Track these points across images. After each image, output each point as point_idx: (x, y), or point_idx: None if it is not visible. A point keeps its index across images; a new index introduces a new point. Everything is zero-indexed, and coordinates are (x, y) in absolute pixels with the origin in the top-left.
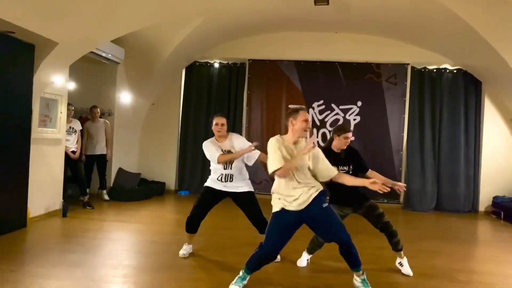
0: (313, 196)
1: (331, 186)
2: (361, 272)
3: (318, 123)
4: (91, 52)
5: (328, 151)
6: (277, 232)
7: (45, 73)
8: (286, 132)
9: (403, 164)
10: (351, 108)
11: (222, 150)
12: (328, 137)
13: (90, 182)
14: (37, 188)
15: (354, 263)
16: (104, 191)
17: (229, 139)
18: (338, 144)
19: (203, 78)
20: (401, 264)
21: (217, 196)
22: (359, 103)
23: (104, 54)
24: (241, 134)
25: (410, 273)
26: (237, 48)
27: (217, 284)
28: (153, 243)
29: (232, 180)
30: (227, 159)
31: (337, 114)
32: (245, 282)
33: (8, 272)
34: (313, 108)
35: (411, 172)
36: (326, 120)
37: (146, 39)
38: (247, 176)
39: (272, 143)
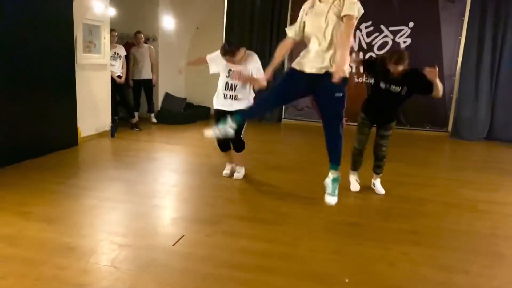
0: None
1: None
2: (335, 171)
3: (365, 46)
4: None
5: (382, 64)
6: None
7: None
8: None
9: (454, 90)
10: (401, 30)
11: (230, 70)
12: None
13: (138, 106)
14: (86, 111)
15: (330, 157)
16: (152, 114)
17: (245, 59)
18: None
19: (246, 0)
20: (374, 184)
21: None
22: (411, 24)
23: None
24: (283, 61)
25: (382, 191)
26: None
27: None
28: (187, 163)
29: (236, 99)
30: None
31: (386, 36)
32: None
33: (54, 183)
34: (360, 30)
35: (463, 99)
36: (373, 43)
37: None
38: (251, 95)
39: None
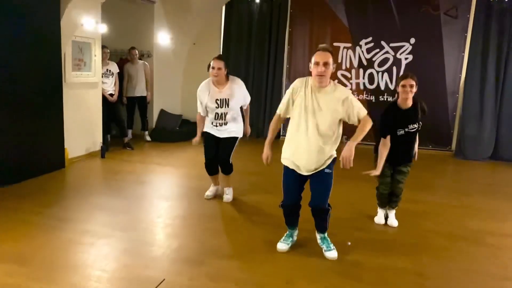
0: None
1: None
2: (323, 234)
3: (365, 63)
4: None
5: (394, 109)
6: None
7: (73, 16)
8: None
9: (458, 107)
10: (402, 46)
11: (217, 100)
12: (376, 78)
13: (132, 124)
14: (75, 131)
15: (320, 228)
16: (146, 132)
17: (229, 86)
18: (400, 95)
19: (244, 16)
20: (387, 215)
21: (216, 139)
22: (412, 40)
23: None
24: (281, 75)
25: (395, 224)
26: None
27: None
28: (177, 187)
29: (224, 119)
30: (198, 129)
31: (386, 52)
32: (293, 238)
33: (31, 213)
34: (360, 46)
35: (467, 117)
36: (374, 59)
37: None
38: (240, 120)
39: (291, 85)
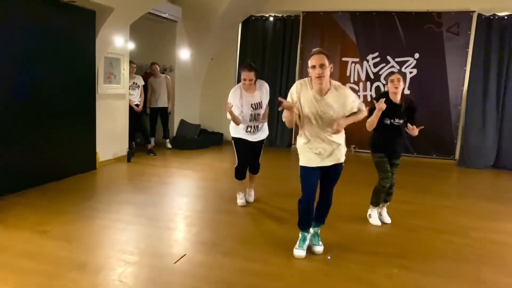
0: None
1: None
2: (317, 229)
3: (372, 76)
4: (150, 13)
5: (386, 98)
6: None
7: (106, 35)
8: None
9: (460, 119)
10: (407, 61)
11: (252, 104)
12: (382, 90)
13: (155, 132)
14: (105, 137)
15: (317, 217)
16: (167, 140)
17: (259, 88)
18: (390, 89)
19: (258, 32)
20: (380, 214)
21: (250, 144)
22: (416, 55)
23: (161, 14)
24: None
25: (388, 220)
26: (292, 0)
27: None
28: (195, 188)
29: (258, 131)
30: (232, 118)
31: (392, 67)
32: (307, 242)
33: (71, 205)
34: (368, 61)
35: (470, 128)
36: (380, 73)
37: None
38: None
39: (293, 86)
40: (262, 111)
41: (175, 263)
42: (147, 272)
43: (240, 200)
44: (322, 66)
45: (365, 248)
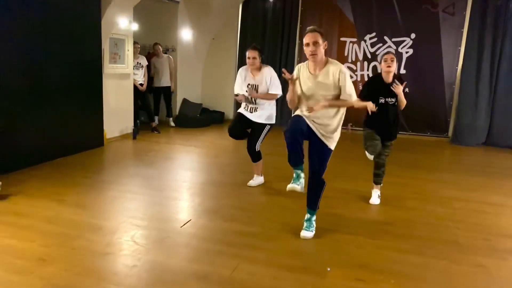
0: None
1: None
2: (310, 215)
3: (369, 56)
4: None
5: (378, 79)
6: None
7: (111, 16)
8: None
9: (454, 98)
10: (404, 41)
11: (248, 84)
12: (379, 70)
13: (158, 111)
14: (112, 115)
15: (310, 202)
16: (170, 119)
17: (262, 73)
18: (383, 69)
19: (258, 13)
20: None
21: (245, 118)
22: (413, 35)
23: None
24: (293, 68)
25: (376, 202)
26: None
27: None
28: (198, 163)
29: (256, 111)
30: (238, 99)
31: (389, 47)
32: (301, 180)
33: (83, 177)
34: (365, 41)
35: (463, 106)
36: (377, 53)
37: None
38: (271, 109)
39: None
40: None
41: (181, 226)
42: (157, 234)
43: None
44: (315, 43)
45: (353, 216)
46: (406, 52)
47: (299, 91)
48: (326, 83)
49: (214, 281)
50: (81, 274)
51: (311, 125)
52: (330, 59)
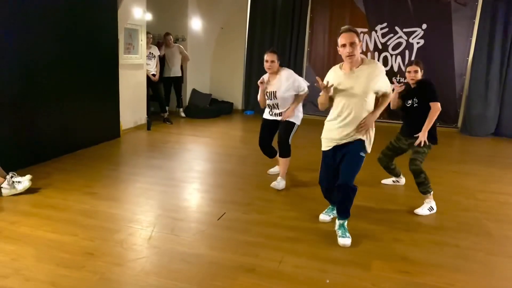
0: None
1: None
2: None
3: (380, 46)
4: None
5: (407, 85)
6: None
7: (127, 6)
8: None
9: (464, 88)
10: (415, 31)
11: (267, 92)
12: (390, 61)
13: (169, 101)
14: (126, 106)
15: (339, 210)
16: (181, 109)
17: (278, 78)
18: (407, 78)
19: (268, 2)
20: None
21: (270, 123)
22: (424, 26)
23: None
24: (302, 58)
25: (418, 212)
26: None
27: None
28: (217, 154)
29: (278, 108)
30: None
31: (400, 37)
32: (334, 211)
33: (109, 170)
34: (376, 31)
35: (473, 97)
36: (388, 43)
37: None
38: (297, 111)
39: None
40: (280, 103)
41: (218, 219)
42: (196, 227)
43: (271, 169)
44: (352, 44)
45: (381, 207)
46: (417, 43)
47: (331, 92)
48: (361, 79)
49: (263, 274)
50: (134, 268)
51: (338, 150)
52: (364, 57)
